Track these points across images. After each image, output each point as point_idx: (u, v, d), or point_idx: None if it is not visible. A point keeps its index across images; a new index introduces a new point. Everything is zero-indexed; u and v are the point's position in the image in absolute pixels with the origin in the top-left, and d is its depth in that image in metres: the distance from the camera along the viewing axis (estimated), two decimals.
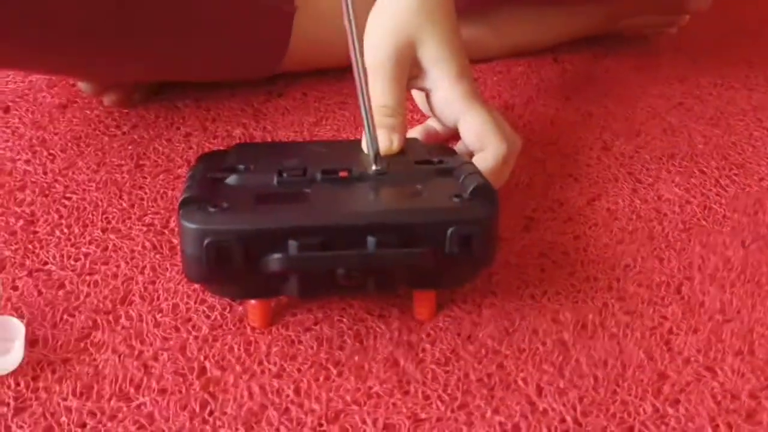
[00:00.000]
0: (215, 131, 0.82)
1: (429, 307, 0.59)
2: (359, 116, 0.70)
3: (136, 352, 0.58)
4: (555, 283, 0.63)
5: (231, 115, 0.85)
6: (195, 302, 0.61)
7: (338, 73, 0.91)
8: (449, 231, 0.52)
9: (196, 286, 0.61)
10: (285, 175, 0.56)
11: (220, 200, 0.53)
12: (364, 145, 0.60)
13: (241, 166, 0.58)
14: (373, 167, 0.58)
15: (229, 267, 0.51)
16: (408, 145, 0.65)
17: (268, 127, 0.83)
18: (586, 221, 0.69)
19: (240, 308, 0.61)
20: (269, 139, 0.80)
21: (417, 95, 0.76)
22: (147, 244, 0.67)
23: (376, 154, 0.58)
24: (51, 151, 0.78)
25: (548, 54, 1.00)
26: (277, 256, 0.51)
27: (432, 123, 0.75)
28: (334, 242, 0.51)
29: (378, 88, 0.65)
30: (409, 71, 0.66)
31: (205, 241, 0.50)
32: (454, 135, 0.72)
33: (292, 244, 0.51)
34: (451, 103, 0.67)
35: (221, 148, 0.78)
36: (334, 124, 0.84)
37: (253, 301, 0.58)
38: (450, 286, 0.59)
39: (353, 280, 0.51)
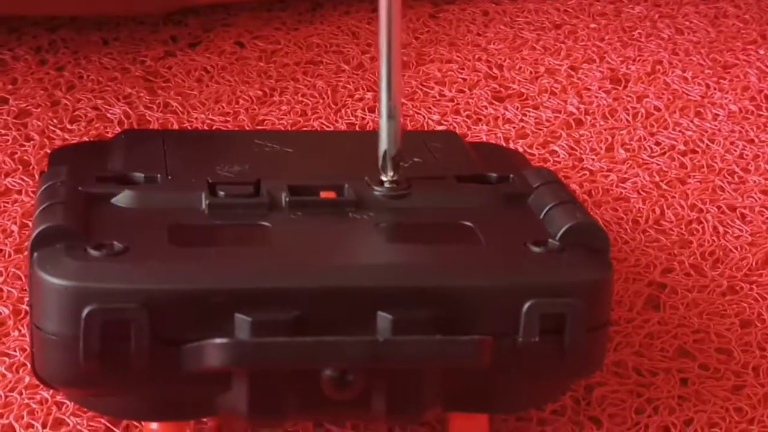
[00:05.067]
0: (74, 108, 0.66)
1: None
2: (350, 85, 0.67)
3: None
4: (707, 407, 0.50)
5: (103, 79, 0.68)
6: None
7: (300, 6, 0.76)
8: (525, 306, 0.43)
9: (52, 394, 0.49)
10: (222, 193, 0.48)
11: (106, 236, 0.45)
12: (383, 142, 0.50)
13: (139, 174, 0.49)
14: (384, 178, 0.48)
15: (124, 359, 0.43)
16: (442, 145, 0.55)
17: (173, 103, 0.66)
18: (762, 295, 0.55)
19: None
20: (174, 125, 0.65)
21: None
22: None
23: (391, 155, 0.48)
24: None
25: None
26: (214, 341, 0.42)
27: None
28: (316, 320, 0.43)
29: None
30: None
31: (86, 310, 0.42)
32: None
33: (242, 321, 0.43)
34: None
35: (87, 139, 0.64)
36: (297, 103, 0.67)
37: (154, 426, 0.48)
38: (518, 408, 0.49)
39: (349, 391, 0.43)
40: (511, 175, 0.50)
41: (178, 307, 0.44)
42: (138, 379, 0.45)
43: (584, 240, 0.46)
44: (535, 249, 0.45)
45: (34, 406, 0.47)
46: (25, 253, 0.55)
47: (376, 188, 0.49)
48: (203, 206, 0.48)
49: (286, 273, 0.45)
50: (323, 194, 0.49)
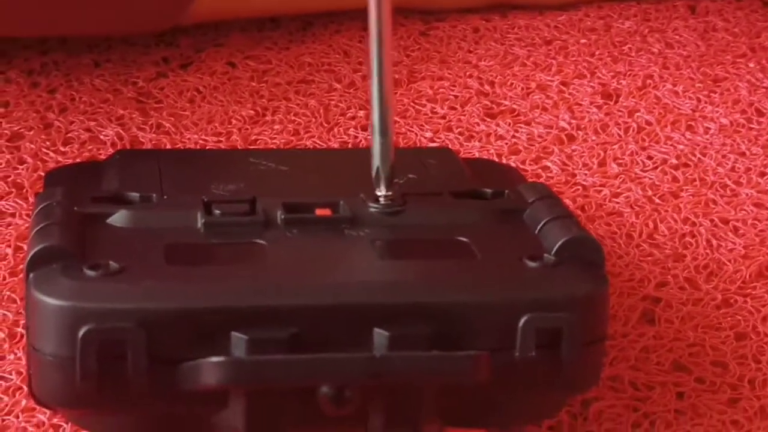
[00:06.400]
0: (67, 130, 0.65)
1: None
2: (342, 103, 0.67)
3: None
4: (704, 420, 0.48)
5: (95, 101, 0.67)
6: None
7: (291, 26, 0.75)
8: (521, 321, 0.42)
9: (49, 417, 0.48)
10: (217, 211, 0.46)
11: (102, 255, 0.43)
12: (376, 158, 0.49)
13: (134, 194, 0.48)
14: (380, 194, 0.47)
15: (121, 378, 0.42)
16: (437, 161, 0.53)
17: (165, 124, 0.66)
18: (757, 308, 0.54)
19: None
20: (167, 146, 0.64)
21: None
22: None
23: (385, 170, 0.47)
24: None
25: None
26: (210, 360, 0.41)
27: None
28: (312, 337, 0.42)
29: None
30: None
31: (82, 330, 0.41)
32: None
33: (238, 340, 0.41)
34: None
35: (78, 160, 0.63)
36: (289, 122, 0.66)
37: None
38: (514, 423, 0.47)
39: (347, 408, 0.41)
40: (506, 191, 0.50)
41: (174, 326, 0.43)
42: (135, 398, 0.43)
43: (579, 254, 0.46)
44: (531, 264, 0.45)
45: (30, 429, 0.46)
46: (20, 275, 0.53)
47: (372, 205, 0.48)
48: (199, 225, 0.47)
49: (282, 291, 0.44)
50: (318, 211, 0.48)
